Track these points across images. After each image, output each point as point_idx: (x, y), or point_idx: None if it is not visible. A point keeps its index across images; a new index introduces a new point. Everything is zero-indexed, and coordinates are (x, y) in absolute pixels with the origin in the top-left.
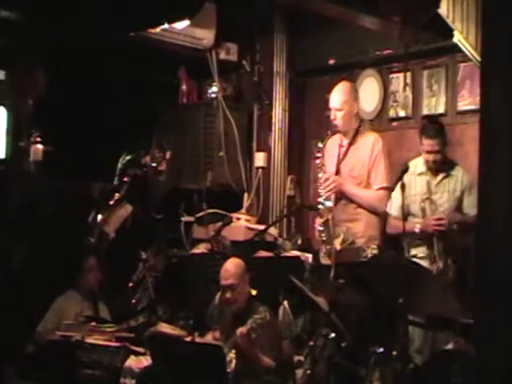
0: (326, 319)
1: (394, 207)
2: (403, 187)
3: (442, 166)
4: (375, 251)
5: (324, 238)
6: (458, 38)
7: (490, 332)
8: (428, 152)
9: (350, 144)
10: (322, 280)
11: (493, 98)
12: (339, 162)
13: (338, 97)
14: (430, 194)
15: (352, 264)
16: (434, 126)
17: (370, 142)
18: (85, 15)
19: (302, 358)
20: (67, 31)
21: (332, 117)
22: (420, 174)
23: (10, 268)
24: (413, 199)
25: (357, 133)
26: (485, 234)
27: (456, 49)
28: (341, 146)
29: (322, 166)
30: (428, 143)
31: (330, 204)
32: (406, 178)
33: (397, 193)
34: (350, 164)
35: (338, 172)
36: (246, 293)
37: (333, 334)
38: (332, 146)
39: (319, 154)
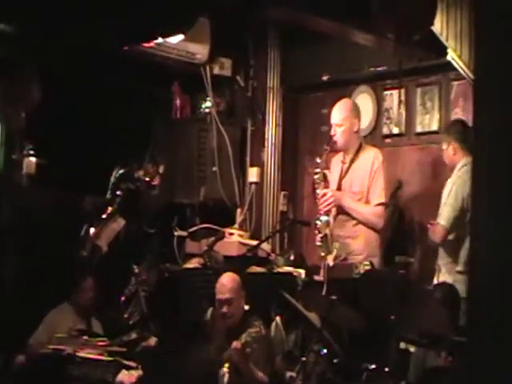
0: (318, 335)
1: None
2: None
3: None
4: (368, 267)
5: (323, 254)
6: (451, 55)
7: (481, 349)
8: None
9: (352, 161)
10: (315, 296)
11: (486, 116)
12: (341, 178)
13: (338, 113)
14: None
15: (344, 280)
16: (448, 125)
17: (370, 157)
18: (79, 28)
19: (294, 374)
20: (61, 44)
21: (332, 132)
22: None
23: (1, 281)
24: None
25: (358, 150)
26: (475, 250)
27: (449, 67)
28: (343, 162)
29: (320, 182)
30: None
31: (327, 218)
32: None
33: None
34: (351, 180)
35: (339, 188)
36: (241, 307)
37: (325, 350)
38: (335, 163)
39: (317, 169)
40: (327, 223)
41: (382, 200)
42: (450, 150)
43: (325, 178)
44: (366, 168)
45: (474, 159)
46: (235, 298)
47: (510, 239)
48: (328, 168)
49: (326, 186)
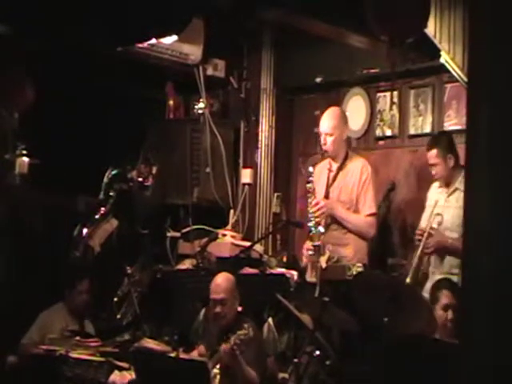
0: (310, 337)
1: (421, 222)
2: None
3: (447, 179)
4: (360, 269)
5: (314, 263)
6: (444, 58)
7: (474, 351)
8: (429, 165)
9: (339, 169)
10: (307, 297)
11: (479, 119)
12: (328, 186)
13: (328, 122)
14: (440, 209)
15: (337, 282)
16: (433, 138)
17: (358, 167)
18: (72, 29)
19: (286, 376)
20: (54, 44)
21: (322, 141)
22: (439, 187)
23: None
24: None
25: (346, 157)
26: (471, 251)
27: (443, 69)
28: (330, 170)
29: (313, 191)
30: (427, 156)
31: (321, 230)
32: (430, 189)
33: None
34: (339, 189)
35: (327, 196)
36: (235, 308)
37: (317, 352)
38: (321, 170)
39: (311, 178)
40: (320, 234)
41: (373, 210)
42: (451, 163)
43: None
44: (355, 178)
45: (466, 161)
46: (229, 298)
47: (504, 237)
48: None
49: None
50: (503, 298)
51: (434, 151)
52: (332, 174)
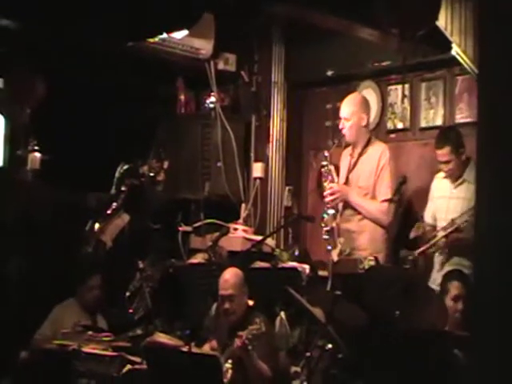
0: (322, 330)
1: (426, 214)
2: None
3: (457, 173)
4: (372, 263)
5: (329, 247)
6: (456, 50)
7: (486, 344)
8: (438, 162)
9: (360, 155)
10: (319, 291)
11: (490, 112)
12: (349, 172)
13: (347, 107)
14: (448, 199)
15: (349, 275)
16: (441, 136)
17: (377, 152)
18: (83, 24)
19: (298, 370)
20: (65, 40)
21: (340, 126)
22: (444, 178)
23: (6, 277)
24: (437, 203)
25: (367, 144)
26: (481, 244)
27: (454, 62)
28: (352, 156)
29: (327, 175)
30: (437, 154)
31: (334, 212)
32: (434, 181)
33: (429, 200)
34: (358, 174)
35: (347, 182)
36: (244, 303)
37: (329, 346)
38: (344, 157)
39: (325, 163)
40: (334, 217)
41: (388, 196)
42: (463, 157)
43: (332, 172)
44: (373, 163)
45: (478, 153)
46: (237, 294)
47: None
48: (333, 162)
49: (333, 180)
50: None
51: (447, 148)
52: (353, 160)
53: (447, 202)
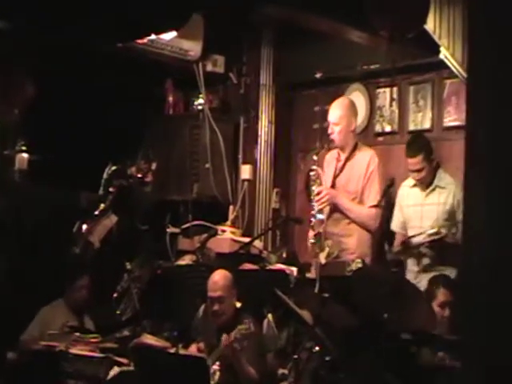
0: (310, 332)
1: (393, 223)
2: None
3: (428, 180)
4: (360, 265)
5: (317, 250)
6: (444, 54)
7: (475, 347)
8: (410, 170)
9: (347, 159)
10: (307, 293)
11: (478, 115)
12: (335, 176)
13: (336, 111)
14: (420, 206)
15: (337, 278)
16: (413, 145)
17: (366, 158)
18: (72, 25)
19: (286, 371)
20: (54, 41)
21: (329, 131)
22: (413, 186)
23: None
24: (409, 211)
25: (354, 148)
26: (469, 247)
27: (443, 65)
28: (338, 160)
29: (316, 179)
30: (409, 162)
31: (322, 217)
32: (401, 190)
33: (396, 209)
34: (345, 179)
35: (333, 186)
36: (233, 305)
37: (317, 348)
38: (330, 160)
39: (314, 167)
40: (322, 221)
41: (377, 202)
42: (434, 163)
43: (321, 176)
44: (362, 169)
45: (466, 156)
46: (227, 295)
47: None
48: (321, 165)
49: (321, 184)
50: (500, 296)
51: (420, 157)
52: (340, 164)
53: (420, 209)
